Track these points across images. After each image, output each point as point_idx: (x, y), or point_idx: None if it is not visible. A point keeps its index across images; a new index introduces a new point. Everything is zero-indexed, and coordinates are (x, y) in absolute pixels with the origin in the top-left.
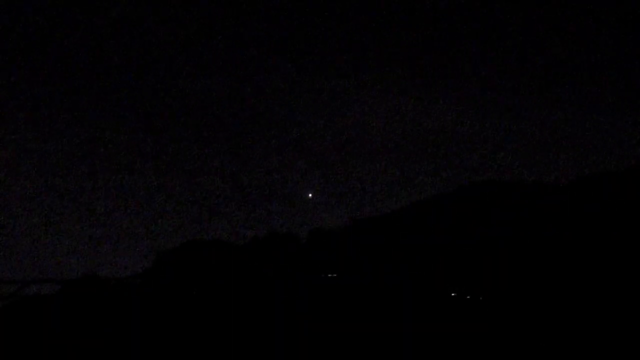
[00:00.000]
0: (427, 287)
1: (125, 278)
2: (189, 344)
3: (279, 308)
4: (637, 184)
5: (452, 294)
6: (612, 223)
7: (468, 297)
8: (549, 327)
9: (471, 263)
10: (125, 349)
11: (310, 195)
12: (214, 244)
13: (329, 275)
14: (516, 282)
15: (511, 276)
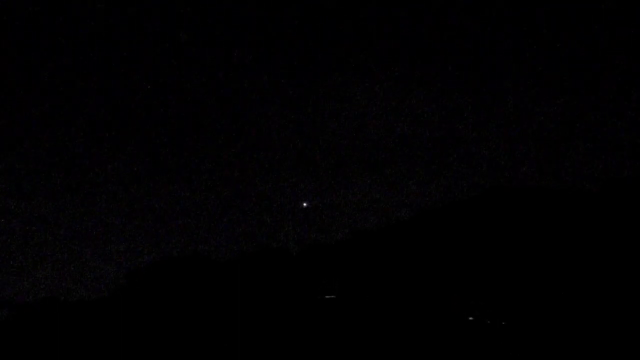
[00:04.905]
0: (440, 311)
1: (91, 300)
2: None
3: (269, 333)
4: None
5: (470, 318)
6: (621, 230)
7: (488, 322)
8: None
9: (482, 279)
10: None
11: (304, 204)
12: (193, 261)
13: (326, 296)
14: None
15: (524, 291)
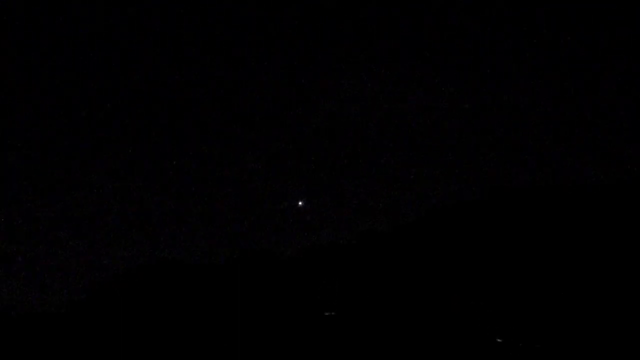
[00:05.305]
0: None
1: (53, 312)
2: None
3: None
4: None
5: (499, 340)
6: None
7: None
8: None
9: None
10: None
11: (300, 203)
12: (173, 268)
13: (326, 313)
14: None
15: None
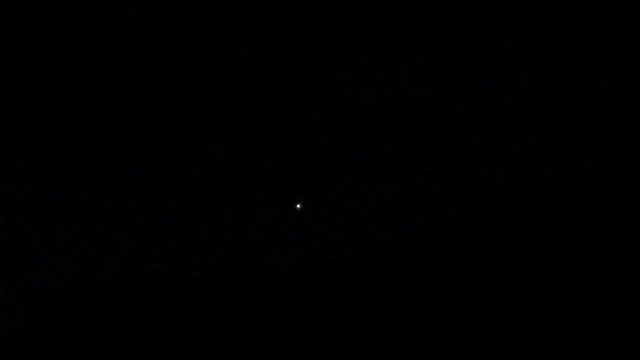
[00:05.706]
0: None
1: (53, 312)
2: None
3: None
4: None
5: None
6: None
7: None
8: None
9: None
10: None
11: (298, 206)
12: (168, 269)
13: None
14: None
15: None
